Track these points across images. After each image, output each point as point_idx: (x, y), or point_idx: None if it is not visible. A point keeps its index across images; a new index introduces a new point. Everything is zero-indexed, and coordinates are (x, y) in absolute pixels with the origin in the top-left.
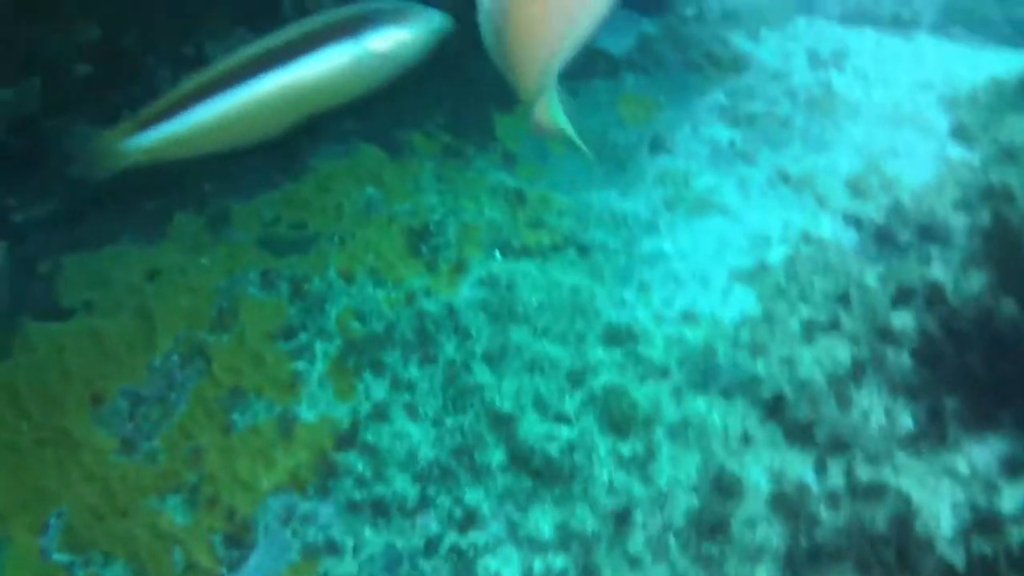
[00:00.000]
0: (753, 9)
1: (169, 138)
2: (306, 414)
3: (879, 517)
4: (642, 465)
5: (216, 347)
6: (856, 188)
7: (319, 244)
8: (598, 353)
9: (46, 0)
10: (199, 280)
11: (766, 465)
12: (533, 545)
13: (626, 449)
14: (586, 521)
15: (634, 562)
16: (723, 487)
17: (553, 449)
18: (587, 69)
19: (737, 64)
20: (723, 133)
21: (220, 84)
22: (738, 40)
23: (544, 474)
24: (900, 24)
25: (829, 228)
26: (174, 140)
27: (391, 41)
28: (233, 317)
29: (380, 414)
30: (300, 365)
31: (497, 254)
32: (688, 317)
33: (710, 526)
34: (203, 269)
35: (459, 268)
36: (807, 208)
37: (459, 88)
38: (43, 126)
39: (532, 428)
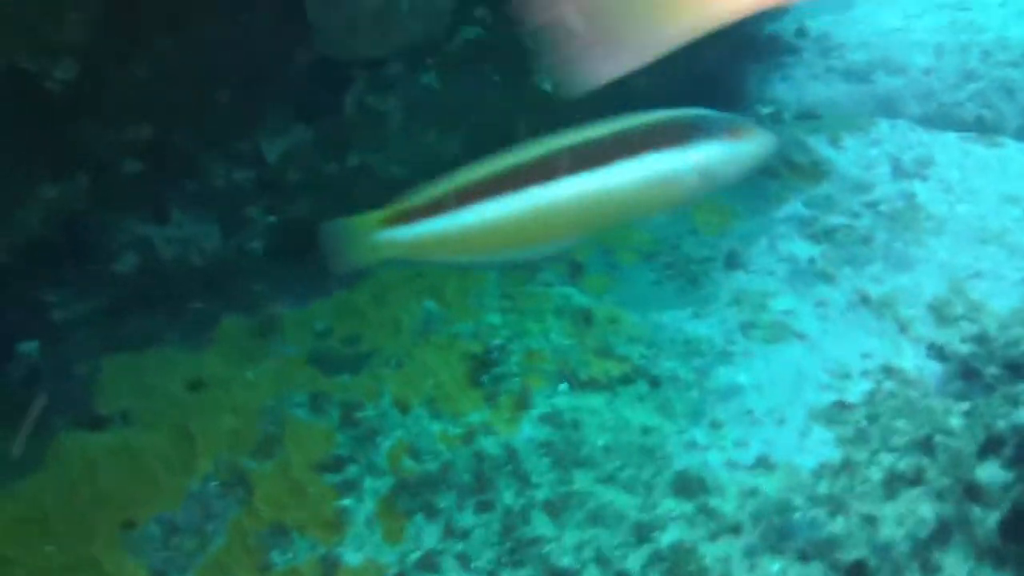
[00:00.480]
0: (832, 107)
1: (438, 236)
2: (350, 557)
3: None
4: None
5: (258, 475)
6: (940, 314)
7: (373, 364)
8: (667, 504)
9: (96, 98)
10: (244, 397)
11: None
12: None
13: None
14: None
15: None
16: None
17: None
18: None
19: (817, 171)
20: (802, 249)
21: (509, 181)
22: (818, 145)
23: None
24: (984, 128)
25: (911, 360)
26: (443, 238)
27: (721, 157)
28: (278, 443)
29: (430, 563)
30: (347, 502)
31: (563, 387)
32: (763, 464)
33: None
34: (249, 385)
35: (522, 402)
36: (888, 335)
37: None
38: (88, 222)
39: None
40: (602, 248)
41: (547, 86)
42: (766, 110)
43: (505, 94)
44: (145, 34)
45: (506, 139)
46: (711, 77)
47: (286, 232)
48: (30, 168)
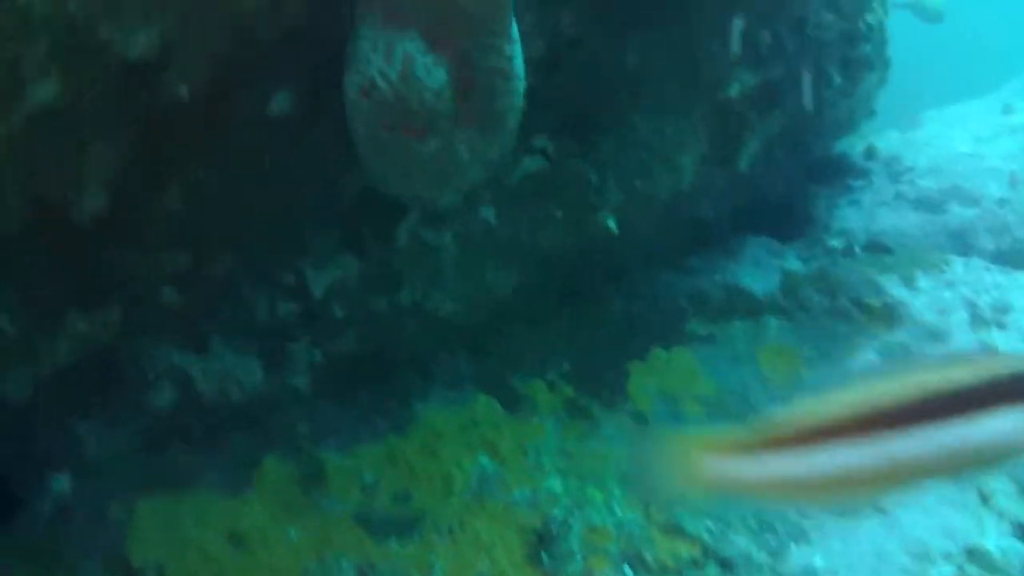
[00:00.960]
0: (902, 238)
1: (793, 475)
2: None
3: None
4: None
5: None
6: (1022, 486)
7: (424, 529)
8: None
9: (128, 228)
10: (286, 558)
11: None
12: None
13: None
14: None
15: None
16: None
17: None
18: (727, 309)
19: (890, 315)
20: None
21: (879, 420)
22: (891, 285)
23: None
24: None
25: (994, 540)
26: (797, 479)
27: None
28: None
29: None
30: None
31: (627, 570)
32: None
33: None
34: (291, 545)
35: None
36: (970, 509)
37: (589, 327)
38: (122, 353)
39: None
40: (665, 395)
41: (612, 224)
42: (837, 243)
43: (567, 231)
44: (179, 163)
45: (568, 279)
46: (779, 203)
47: (332, 369)
48: (59, 299)
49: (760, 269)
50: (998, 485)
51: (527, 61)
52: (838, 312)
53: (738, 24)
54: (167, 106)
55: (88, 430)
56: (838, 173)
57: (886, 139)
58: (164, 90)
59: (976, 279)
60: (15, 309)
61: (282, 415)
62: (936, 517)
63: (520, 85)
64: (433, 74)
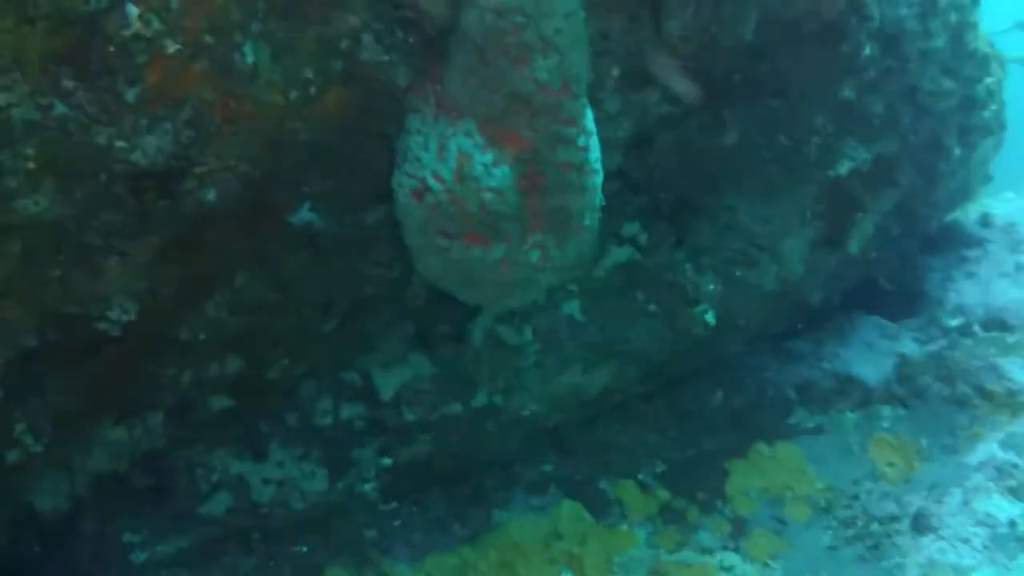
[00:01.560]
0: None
1: None
2: None
3: None
4: None
5: None
6: None
7: None
8: None
9: (169, 336)
10: None
11: None
12: None
13: None
14: None
15: None
16: None
17: None
18: (837, 398)
19: (1014, 403)
20: (1001, 508)
21: None
22: (1014, 369)
23: None
24: None
25: None
26: None
27: None
28: None
29: None
30: None
31: None
32: None
33: None
34: None
35: None
36: None
37: (685, 422)
38: (170, 460)
39: None
40: (768, 497)
41: (710, 318)
42: (954, 321)
43: (661, 326)
44: (216, 270)
45: (662, 372)
46: (892, 279)
47: (404, 472)
48: (92, 410)
49: (872, 353)
50: None
51: (613, 143)
52: (957, 399)
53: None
54: (195, 214)
55: (138, 539)
56: (951, 243)
57: (1002, 202)
58: (189, 196)
59: None
60: (40, 424)
61: (348, 521)
62: None
63: (598, 179)
64: (494, 173)
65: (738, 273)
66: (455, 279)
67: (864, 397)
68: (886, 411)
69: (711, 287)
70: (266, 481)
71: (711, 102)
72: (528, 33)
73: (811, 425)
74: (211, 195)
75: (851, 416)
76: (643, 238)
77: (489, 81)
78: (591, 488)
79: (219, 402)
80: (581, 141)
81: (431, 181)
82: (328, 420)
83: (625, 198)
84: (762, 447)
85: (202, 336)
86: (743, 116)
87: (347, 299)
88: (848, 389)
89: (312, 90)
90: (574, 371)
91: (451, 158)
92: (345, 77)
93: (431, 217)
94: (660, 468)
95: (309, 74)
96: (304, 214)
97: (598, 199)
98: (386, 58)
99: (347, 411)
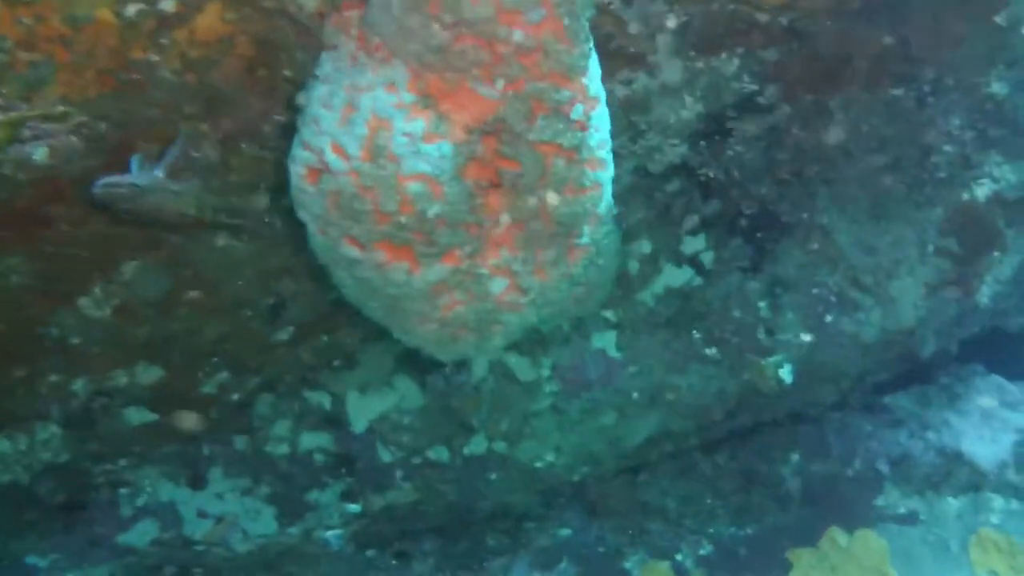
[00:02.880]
0: None
1: None
2: None
3: None
4: None
5: None
6: None
7: None
8: None
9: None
10: None
11: None
12: None
13: None
14: None
15: None
16: None
17: None
18: (939, 479)
19: None
20: None
21: None
22: None
23: None
24: None
25: None
26: None
27: None
28: None
29: None
30: None
31: None
32: None
33: None
34: None
35: None
36: None
37: (749, 483)
38: (88, 476)
39: None
40: None
41: (786, 376)
42: None
43: (722, 376)
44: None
45: (721, 425)
46: (1021, 332)
47: (382, 521)
48: None
49: (989, 426)
50: None
51: (673, 127)
52: None
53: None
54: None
55: (44, 563)
56: None
57: None
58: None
59: None
60: None
61: (307, 568)
62: None
63: (603, 173)
64: (425, 151)
65: (829, 318)
66: (375, 308)
67: (972, 481)
68: (997, 502)
69: (792, 334)
70: (201, 514)
71: (813, 84)
72: None
73: (903, 511)
74: (39, 154)
75: (954, 504)
76: (708, 258)
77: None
78: (612, 568)
79: (138, 415)
80: (578, 111)
81: (329, 155)
82: (284, 449)
83: (688, 202)
84: (838, 535)
85: (78, 339)
86: (854, 106)
87: (303, 302)
88: (954, 469)
89: (168, 5)
90: (605, 418)
91: (360, 122)
92: None
93: (331, 211)
94: (705, 549)
95: None
96: None
97: (605, 203)
98: None
99: (308, 440)
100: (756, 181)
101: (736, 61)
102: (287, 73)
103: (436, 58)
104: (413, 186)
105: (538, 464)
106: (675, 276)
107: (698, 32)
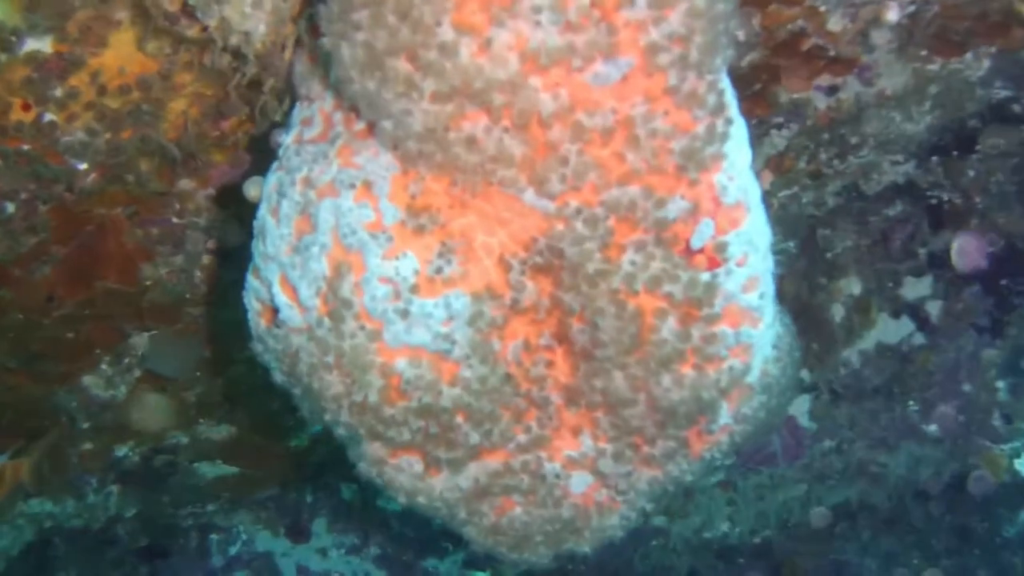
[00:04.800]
0: None
1: None
2: None
3: None
4: None
5: None
6: None
7: None
8: None
9: None
10: None
11: None
12: None
13: None
14: None
15: None
16: None
17: None
18: None
19: None
20: None
21: None
22: None
23: None
24: None
25: None
26: None
27: None
28: None
29: None
30: None
31: None
32: None
33: None
34: None
35: None
36: None
37: (953, 553)
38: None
39: None
40: None
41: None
42: None
43: (937, 454)
44: None
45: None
46: None
47: None
48: None
49: None
50: None
51: (901, 141)
52: None
53: None
54: None
55: None
56: None
57: None
58: None
59: None
60: None
61: None
62: None
63: (763, 327)
64: (426, 311)
65: None
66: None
67: None
68: None
69: None
70: (302, 570)
71: None
72: None
73: None
74: None
75: None
76: (934, 309)
77: (422, 36)
78: None
79: (212, 469)
80: (703, 232)
81: (278, 297)
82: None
83: (913, 232)
84: None
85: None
86: None
87: None
88: None
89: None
90: (792, 490)
91: (316, 250)
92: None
93: (298, 366)
94: None
95: None
96: None
97: (758, 368)
98: None
99: None
100: (1004, 209)
101: (986, 63)
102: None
103: (431, 146)
104: (403, 365)
105: (707, 534)
106: (891, 330)
107: (933, 27)
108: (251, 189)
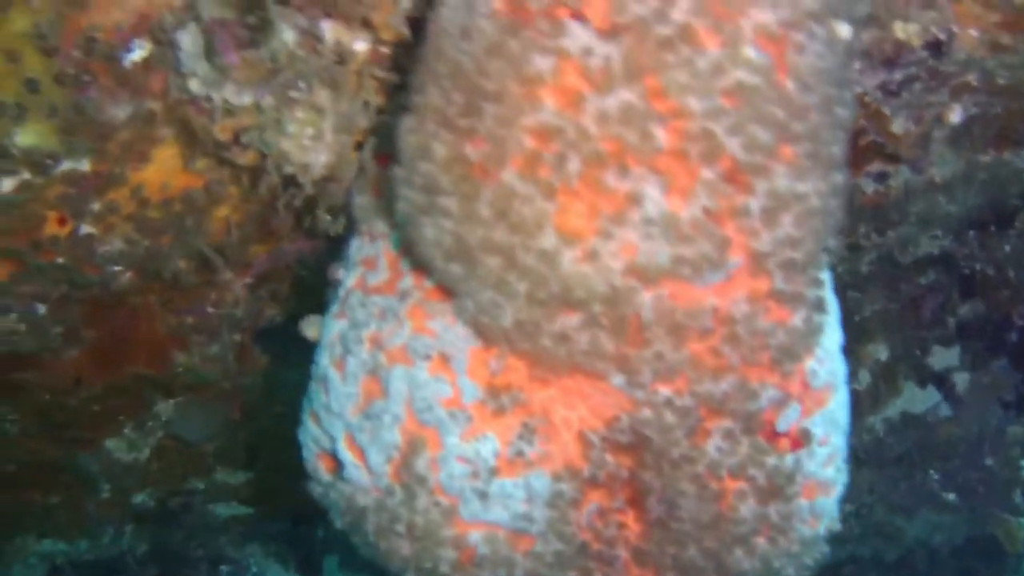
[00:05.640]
0: None
1: None
2: None
3: None
4: None
5: None
6: None
7: None
8: None
9: None
10: None
11: None
12: None
13: None
14: None
15: None
16: None
17: None
18: None
19: None
20: None
21: None
22: None
23: None
24: None
25: None
26: None
27: None
28: None
29: None
30: None
31: None
32: None
33: None
34: None
35: None
36: None
37: None
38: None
39: None
40: None
41: None
42: None
43: (954, 522)
44: None
45: None
46: None
47: None
48: None
49: None
50: None
51: (942, 219)
52: None
53: None
54: None
55: None
56: None
57: None
58: None
59: None
60: None
61: None
62: None
63: (834, 497)
64: (507, 491)
65: None
66: None
67: None
68: None
69: None
70: None
71: None
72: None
73: None
74: None
75: None
76: (961, 380)
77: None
78: None
79: (228, 509)
80: (790, 416)
81: (344, 454)
82: None
83: (944, 300)
84: None
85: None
86: None
87: None
88: None
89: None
90: None
91: (388, 419)
92: None
93: (364, 524)
94: None
95: None
96: None
97: (823, 532)
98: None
99: None
100: None
101: None
102: None
103: (518, 336)
104: (477, 538)
105: None
106: (916, 399)
107: (993, 127)
108: (308, 329)
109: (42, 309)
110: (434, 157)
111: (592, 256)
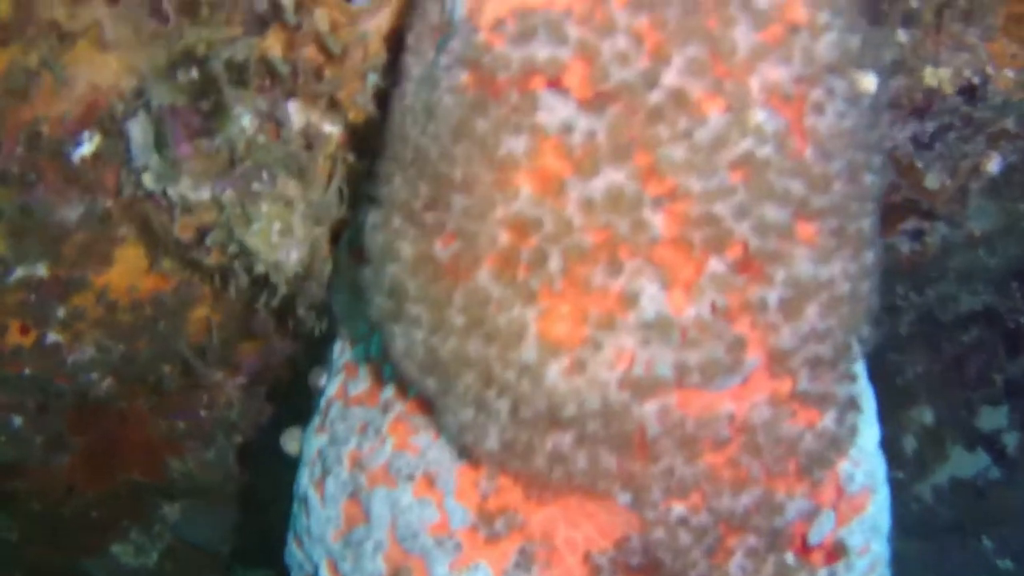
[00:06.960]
0: None
1: None
2: None
3: None
4: None
5: None
6: None
7: None
8: None
9: None
10: None
11: None
12: None
13: None
14: None
15: None
16: None
17: None
18: None
19: None
20: None
21: None
22: None
23: None
24: None
25: None
26: None
27: None
28: None
29: None
30: None
31: None
32: None
33: None
34: None
35: None
36: None
37: None
38: None
39: None
40: None
41: None
42: None
43: None
44: None
45: None
46: None
47: None
48: None
49: None
50: None
51: (983, 273)
52: None
53: None
54: None
55: None
56: None
57: None
58: None
59: None
60: None
61: None
62: None
63: None
64: None
65: None
66: None
67: None
68: None
69: None
70: None
71: None
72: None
73: None
74: None
75: None
76: (1011, 441)
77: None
78: None
79: None
80: (822, 527)
81: None
82: None
83: (989, 358)
84: None
85: None
86: None
87: None
88: None
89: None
90: None
91: (370, 546)
92: None
93: None
94: None
95: None
96: None
97: None
98: None
99: None
100: None
101: None
102: None
103: (507, 457)
104: None
105: None
106: (965, 463)
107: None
108: (288, 443)
109: (18, 420)
110: (400, 257)
111: (581, 367)
